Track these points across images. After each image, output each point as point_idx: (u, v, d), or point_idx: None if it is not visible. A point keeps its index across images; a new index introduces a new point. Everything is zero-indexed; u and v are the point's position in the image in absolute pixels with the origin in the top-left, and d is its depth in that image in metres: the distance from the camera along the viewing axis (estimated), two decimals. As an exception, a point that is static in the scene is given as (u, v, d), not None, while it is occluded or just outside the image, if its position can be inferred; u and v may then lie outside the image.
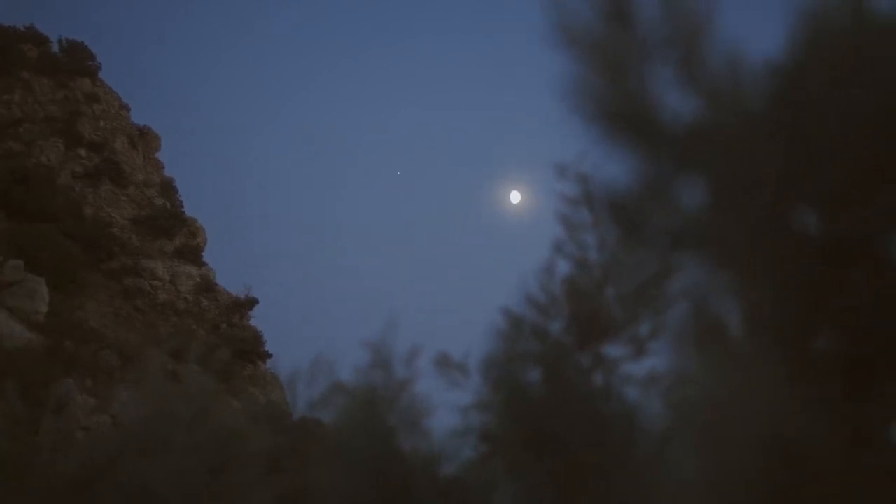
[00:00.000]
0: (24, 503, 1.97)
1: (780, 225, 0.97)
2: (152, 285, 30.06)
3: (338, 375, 1.78)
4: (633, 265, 1.47)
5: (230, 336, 30.12)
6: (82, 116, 34.70)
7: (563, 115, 1.11)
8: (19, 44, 36.37)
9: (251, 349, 29.98)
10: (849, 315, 0.93)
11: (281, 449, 1.84)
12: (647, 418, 1.36)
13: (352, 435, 1.66)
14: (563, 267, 1.63)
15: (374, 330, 1.79)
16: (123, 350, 22.64)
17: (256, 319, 33.64)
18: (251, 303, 33.44)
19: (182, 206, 37.23)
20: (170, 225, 34.32)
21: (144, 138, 38.46)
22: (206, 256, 35.15)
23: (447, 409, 1.65)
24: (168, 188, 37.70)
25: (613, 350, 1.53)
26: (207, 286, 32.47)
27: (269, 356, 30.53)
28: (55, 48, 37.45)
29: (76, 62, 36.82)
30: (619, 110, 1.07)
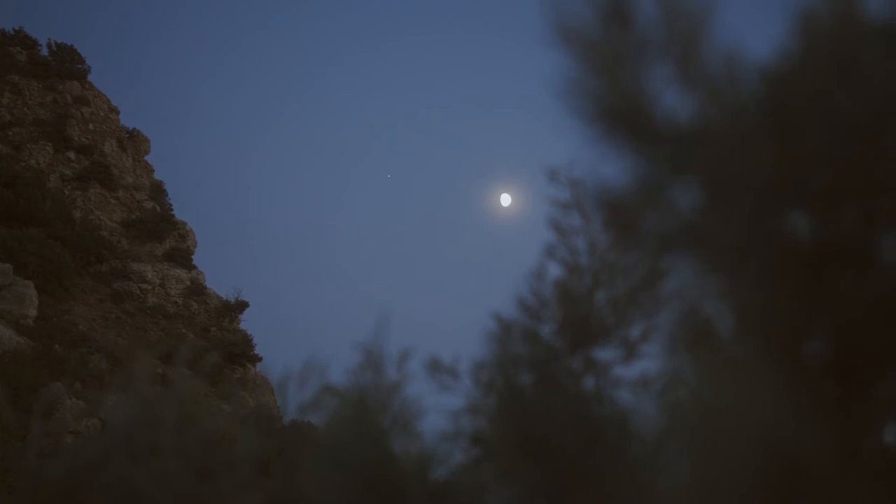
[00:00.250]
0: (12, 508, 1.97)
1: (773, 228, 0.97)
2: (142, 289, 30.05)
3: (329, 378, 1.78)
4: (624, 268, 1.47)
5: (220, 339, 30.10)
6: (71, 119, 34.68)
7: (554, 117, 1.11)
8: (8, 47, 36.34)
9: (241, 352, 29.97)
10: (840, 319, 0.93)
11: (271, 452, 1.83)
12: (639, 422, 1.36)
13: (342, 438, 1.65)
14: (555, 270, 1.63)
15: (365, 333, 1.79)
16: (112, 353, 22.60)
17: (246, 322, 33.67)
18: (241, 306, 33.46)
19: (172, 210, 37.22)
20: (159, 228, 34.31)
21: (134, 141, 38.44)
22: (197, 260, 35.16)
23: (438, 413, 1.64)
24: (158, 191, 37.69)
25: (604, 353, 1.53)
26: (197, 289, 32.46)
27: (259, 359, 30.52)
28: (44, 51, 37.43)
29: (65, 65, 36.81)
30: (616, 110, 1.07)
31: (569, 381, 1.52)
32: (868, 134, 0.93)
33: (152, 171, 39.04)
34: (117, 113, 38.09)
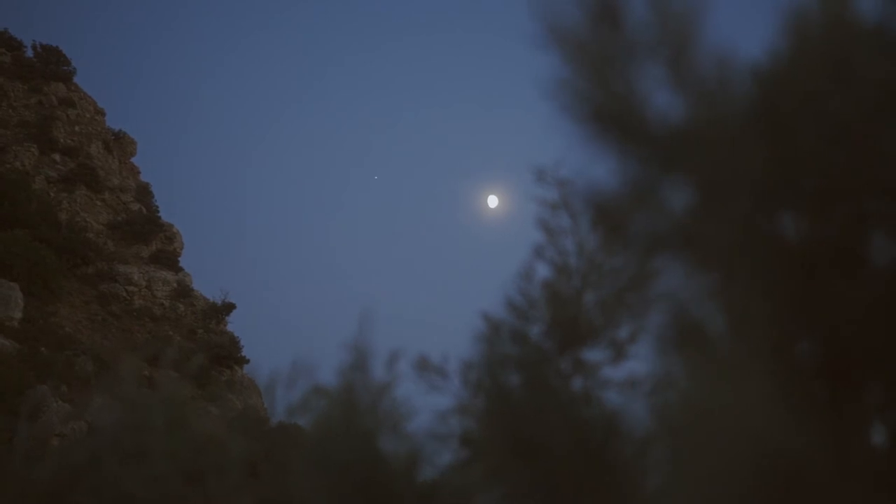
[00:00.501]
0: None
1: (765, 229, 0.98)
2: (128, 291, 29.91)
3: (318, 379, 1.77)
4: (613, 269, 1.48)
5: (207, 341, 30.00)
6: (57, 121, 34.51)
7: (543, 118, 1.11)
8: (-8, 48, 36.17)
9: (228, 354, 29.87)
10: (831, 319, 0.93)
11: (259, 454, 1.83)
12: (628, 423, 1.36)
13: (331, 439, 1.65)
14: (543, 271, 1.63)
15: (353, 333, 1.79)
16: (99, 356, 22.50)
17: (236, 324, 33.57)
18: (228, 308, 33.34)
19: (158, 211, 37.08)
20: (146, 230, 34.17)
21: (120, 143, 38.29)
22: (183, 262, 35.02)
23: (428, 413, 1.64)
24: (144, 193, 37.54)
25: (593, 354, 1.53)
26: (184, 291, 32.35)
27: (247, 361, 30.42)
28: (29, 52, 37.25)
29: (50, 67, 36.63)
30: (606, 111, 1.07)
31: (557, 382, 1.51)
32: (859, 135, 0.93)
33: (138, 172, 38.89)
34: (103, 115, 37.92)
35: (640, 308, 1.39)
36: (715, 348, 1.01)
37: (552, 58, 1.10)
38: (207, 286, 37.26)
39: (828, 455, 0.89)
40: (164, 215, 36.80)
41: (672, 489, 1.01)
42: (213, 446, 1.78)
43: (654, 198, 1.04)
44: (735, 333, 0.99)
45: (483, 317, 1.61)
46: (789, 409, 0.91)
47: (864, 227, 0.95)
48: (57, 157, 33.46)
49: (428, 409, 1.66)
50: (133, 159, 39.15)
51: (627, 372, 1.48)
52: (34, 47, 37.25)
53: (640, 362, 1.47)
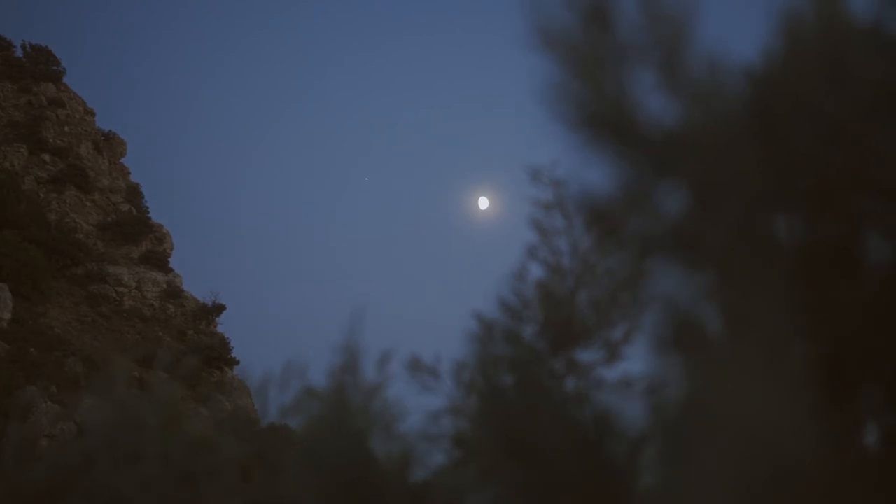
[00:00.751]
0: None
1: (760, 230, 0.97)
2: (118, 291, 29.83)
3: (310, 380, 1.77)
4: (606, 269, 1.47)
5: (197, 342, 29.94)
6: (46, 121, 34.40)
7: (533, 120, 1.11)
8: (-18, 48, 36.05)
9: (218, 356, 29.81)
10: (828, 320, 0.93)
11: (251, 456, 1.82)
12: (622, 423, 1.36)
13: (322, 439, 1.64)
14: (536, 271, 1.63)
15: (345, 334, 1.78)
16: (88, 357, 22.43)
17: (227, 325, 33.51)
18: (218, 309, 33.28)
19: (148, 212, 36.99)
20: (136, 231, 34.07)
21: (110, 143, 38.18)
22: (183, 262, 34.95)
23: (420, 414, 1.64)
24: (134, 193, 37.44)
25: (587, 355, 1.52)
26: (174, 292, 32.27)
27: (237, 363, 30.36)
28: (19, 52, 37.13)
29: (40, 67, 36.51)
30: (599, 114, 1.07)
31: (550, 383, 1.51)
32: (854, 136, 0.93)
33: (128, 173, 38.78)
34: (93, 115, 37.81)
35: (634, 309, 1.39)
36: (711, 349, 1.01)
37: (544, 61, 1.10)
38: (208, 287, 37.19)
39: (828, 455, 0.89)
40: (164, 216, 36.78)
41: (672, 489, 1.00)
42: (206, 448, 1.77)
43: (649, 200, 1.04)
44: (731, 334, 0.99)
45: (476, 317, 1.61)
46: (788, 409, 0.90)
47: (860, 228, 0.95)
48: (46, 157, 33.36)
49: (420, 409, 1.66)
50: (128, 160, 39.06)
51: (621, 372, 1.47)
52: (23, 47, 37.13)
53: (634, 363, 1.46)
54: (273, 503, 1.67)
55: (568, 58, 1.08)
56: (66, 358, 21.90)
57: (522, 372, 1.51)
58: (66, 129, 35.32)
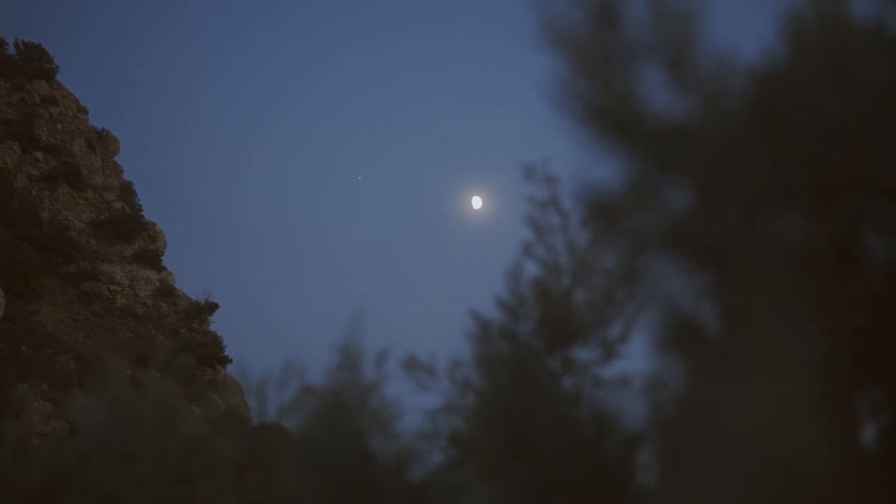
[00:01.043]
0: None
1: (763, 228, 0.98)
2: (110, 290, 29.77)
3: (308, 379, 1.77)
4: (603, 267, 1.47)
5: (189, 341, 29.90)
6: (39, 119, 34.30)
7: (527, 118, 1.11)
8: (-26, 45, 35.93)
9: (211, 354, 29.77)
10: (831, 318, 0.93)
11: (247, 455, 1.82)
12: (619, 422, 1.36)
13: (321, 438, 1.64)
14: (532, 269, 1.62)
15: (343, 333, 1.78)
16: (81, 355, 22.38)
17: (225, 324, 33.49)
18: (211, 307, 33.24)
19: (141, 210, 36.91)
20: (129, 229, 34.00)
21: (103, 141, 38.09)
22: (169, 261, 34.88)
23: (417, 413, 1.64)
24: (127, 192, 37.35)
25: (583, 353, 1.52)
26: (167, 291, 32.22)
27: (230, 361, 30.34)
28: (11, 50, 37.00)
29: (33, 64, 36.39)
30: (605, 111, 1.07)
31: (547, 381, 1.51)
32: (856, 135, 0.93)
33: (122, 171, 38.69)
34: (86, 113, 37.71)
35: (631, 307, 1.39)
36: (712, 348, 1.01)
37: (551, 58, 1.10)
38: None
39: (829, 454, 0.90)
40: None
41: (672, 488, 1.00)
42: (202, 446, 1.77)
43: (653, 197, 1.04)
44: (732, 333, 0.99)
45: (472, 315, 1.61)
46: (789, 408, 0.91)
47: (861, 228, 0.95)
48: (39, 155, 33.26)
49: (417, 408, 1.66)
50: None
51: (618, 371, 1.47)
52: (16, 44, 37.00)
53: (631, 362, 1.47)
54: (271, 502, 1.67)
55: (576, 55, 1.08)
56: (59, 356, 21.85)
57: (519, 370, 1.51)
58: (59, 126, 35.22)
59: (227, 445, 1.81)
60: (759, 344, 0.95)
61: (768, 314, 0.95)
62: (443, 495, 1.55)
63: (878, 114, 0.93)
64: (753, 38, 1.05)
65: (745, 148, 0.99)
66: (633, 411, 1.31)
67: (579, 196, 1.11)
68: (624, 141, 1.07)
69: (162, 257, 34.79)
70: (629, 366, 1.45)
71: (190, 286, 33.88)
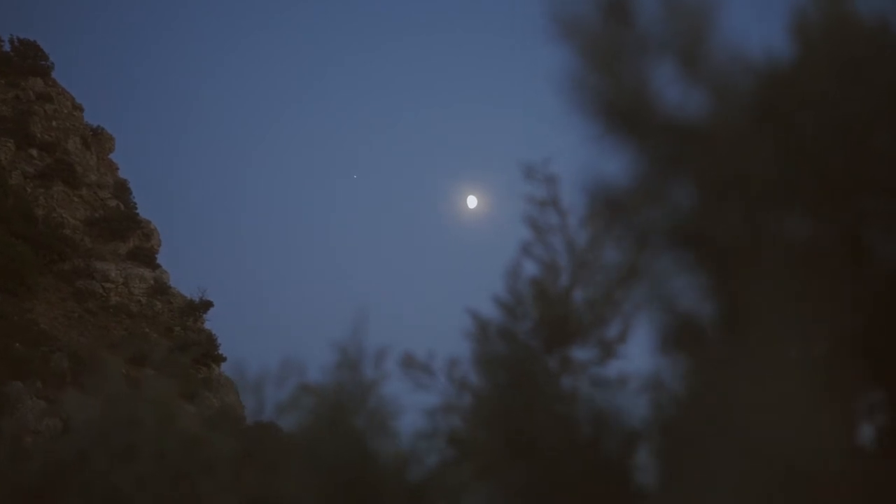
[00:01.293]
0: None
1: (771, 226, 0.98)
2: (105, 287, 29.72)
3: (305, 377, 1.77)
4: (602, 266, 1.47)
5: (184, 339, 29.86)
6: (34, 116, 34.21)
7: (521, 118, 1.12)
8: (-31, 42, 35.83)
9: (205, 352, 29.73)
10: (837, 316, 0.93)
11: (244, 453, 1.82)
12: (617, 422, 1.36)
13: (319, 436, 1.64)
14: (531, 269, 1.62)
15: (346, 332, 1.78)
16: (75, 353, 22.35)
17: (217, 323, 33.43)
18: (205, 305, 33.19)
19: (136, 208, 36.84)
20: (123, 227, 33.94)
21: (98, 139, 38.00)
22: (166, 260, 34.82)
23: (415, 412, 1.64)
24: (122, 190, 37.27)
25: (582, 353, 1.52)
26: (161, 289, 32.17)
27: (224, 359, 30.31)
28: (6, 47, 36.90)
29: (28, 61, 36.30)
30: (616, 105, 1.07)
31: (545, 381, 1.51)
32: (859, 135, 0.93)
33: (117, 169, 38.60)
34: (81, 110, 37.61)
35: (630, 306, 1.39)
36: (713, 347, 1.01)
37: (558, 54, 1.10)
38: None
39: (831, 453, 0.90)
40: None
41: (673, 488, 1.00)
42: (201, 445, 1.76)
43: (661, 192, 1.04)
44: (735, 330, 0.99)
45: (471, 314, 1.61)
46: (790, 408, 0.91)
47: (865, 227, 0.95)
48: (34, 152, 33.18)
49: (414, 407, 1.66)
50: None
51: (617, 370, 1.47)
52: (11, 41, 36.90)
53: (629, 361, 1.47)
54: (270, 501, 1.67)
55: (587, 48, 1.08)
56: (53, 354, 21.82)
57: (518, 370, 1.51)
58: (54, 124, 35.13)
59: (227, 444, 1.81)
60: (760, 343, 0.95)
61: (770, 313, 0.95)
62: (442, 495, 1.55)
63: (882, 113, 0.93)
64: (761, 37, 1.05)
65: (752, 146, 0.99)
66: (632, 411, 1.31)
67: (586, 191, 1.11)
68: (633, 136, 1.07)
69: (156, 255, 34.75)
70: (628, 365, 1.45)
71: (191, 286, 33.82)
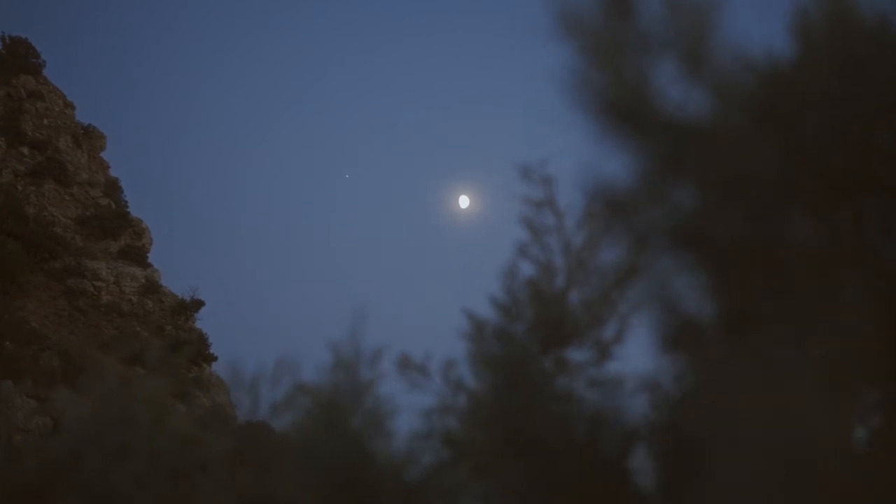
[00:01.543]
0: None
1: (773, 226, 0.97)
2: (96, 286, 29.66)
3: (300, 377, 1.76)
4: (599, 267, 1.47)
5: (175, 338, 29.83)
6: (25, 114, 34.12)
7: (516, 117, 1.11)
8: (-41, 40, 35.72)
9: (196, 351, 29.70)
10: (838, 316, 0.93)
11: (238, 453, 1.81)
12: (615, 422, 1.36)
13: (315, 436, 1.63)
14: (527, 270, 1.62)
15: (343, 332, 1.77)
16: (65, 351, 22.30)
17: (205, 321, 33.39)
18: (197, 304, 33.15)
19: (127, 207, 36.77)
20: (114, 225, 33.87)
21: (89, 137, 37.91)
22: (152, 257, 34.76)
23: (410, 412, 1.63)
24: (113, 188, 37.20)
25: (578, 354, 1.52)
26: (152, 287, 32.12)
27: (215, 358, 30.28)
28: (-2, 44, 36.79)
29: (19, 59, 36.19)
30: (617, 102, 1.07)
31: (541, 381, 1.51)
32: (860, 135, 0.93)
33: (108, 167, 38.52)
34: (73, 108, 37.51)
35: (627, 307, 1.39)
36: (714, 347, 1.00)
37: (560, 51, 1.10)
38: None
39: (832, 452, 0.89)
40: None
41: (673, 487, 1.00)
42: (194, 444, 1.76)
43: (662, 191, 1.04)
44: (734, 330, 0.98)
45: (467, 315, 1.60)
46: (792, 407, 0.90)
47: (868, 226, 0.95)
48: (25, 150, 33.09)
49: (410, 408, 1.65)
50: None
51: (614, 371, 1.47)
52: (3, 39, 36.79)
53: (625, 363, 1.46)
54: (266, 501, 1.66)
55: (589, 45, 1.07)
56: (43, 352, 21.77)
57: (514, 370, 1.51)
58: (45, 122, 35.04)
59: (222, 443, 1.80)
60: (760, 343, 0.94)
61: (771, 313, 0.95)
62: (439, 496, 1.55)
63: (883, 112, 0.93)
64: (762, 36, 1.05)
65: (753, 145, 0.98)
66: (630, 411, 1.30)
67: (586, 191, 1.11)
68: (634, 134, 1.06)
69: (148, 254, 34.69)
70: (625, 366, 1.45)
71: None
